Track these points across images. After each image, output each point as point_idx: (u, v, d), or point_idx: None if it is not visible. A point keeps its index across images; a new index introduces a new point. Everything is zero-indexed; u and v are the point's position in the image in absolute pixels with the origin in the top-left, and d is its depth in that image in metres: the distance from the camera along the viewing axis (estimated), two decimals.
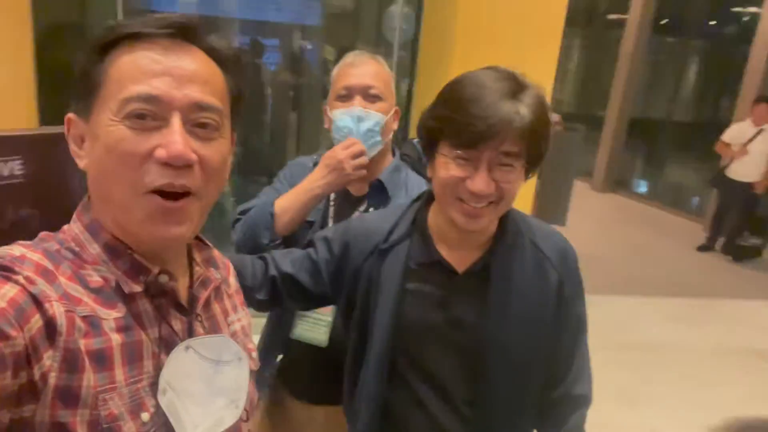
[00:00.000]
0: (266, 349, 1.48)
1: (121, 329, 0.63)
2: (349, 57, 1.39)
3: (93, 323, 0.61)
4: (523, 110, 0.88)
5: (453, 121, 0.90)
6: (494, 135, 0.87)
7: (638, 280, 4.74)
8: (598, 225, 7.64)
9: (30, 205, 1.05)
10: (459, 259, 1.03)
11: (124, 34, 0.63)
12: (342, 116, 1.33)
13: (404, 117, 3.41)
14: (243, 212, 1.35)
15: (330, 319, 1.36)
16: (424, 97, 3.23)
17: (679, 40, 9.30)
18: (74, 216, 0.70)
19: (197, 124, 0.64)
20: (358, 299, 1.08)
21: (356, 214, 1.36)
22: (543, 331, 1.04)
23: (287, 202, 1.30)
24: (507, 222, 1.03)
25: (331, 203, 1.42)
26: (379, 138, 1.34)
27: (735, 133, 5.61)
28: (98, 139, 0.63)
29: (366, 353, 1.07)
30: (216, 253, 0.85)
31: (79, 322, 0.59)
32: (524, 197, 3.16)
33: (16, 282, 0.56)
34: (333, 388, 1.30)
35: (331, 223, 1.39)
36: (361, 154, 1.28)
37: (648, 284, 4.94)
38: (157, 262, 0.68)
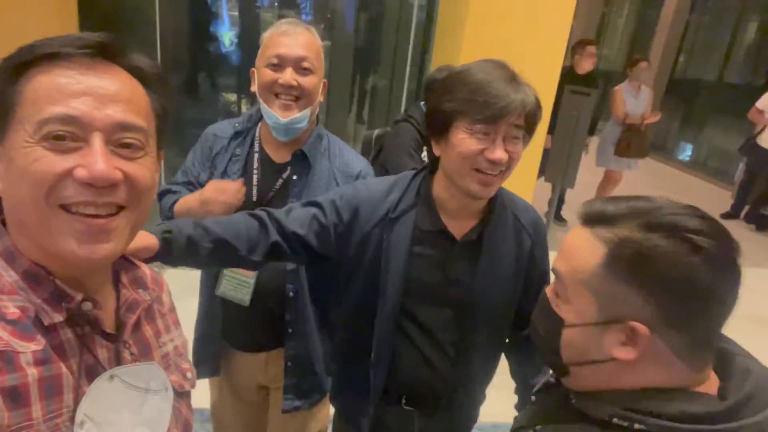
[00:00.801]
0: (206, 313, 1.56)
1: (39, 362, 0.60)
2: (283, 25, 1.39)
3: (7, 358, 0.58)
4: (529, 92, 1.09)
5: (473, 102, 1.07)
6: (512, 111, 1.05)
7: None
8: (624, 190, 7.60)
9: None
10: (457, 227, 1.20)
11: (41, 54, 0.60)
12: (272, 119, 1.38)
13: (419, 75, 3.52)
14: (161, 194, 1.45)
15: (252, 281, 1.43)
16: (440, 58, 3.34)
17: None
18: None
19: (121, 144, 0.62)
20: (366, 262, 1.21)
21: (279, 181, 1.44)
22: (518, 288, 1.26)
23: (183, 208, 1.41)
24: (495, 197, 1.21)
25: (255, 170, 1.45)
26: (304, 124, 1.41)
27: None
28: (13, 162, 0.60)
29: (375, 311, 1.22)
30: (146, 271, 0.82)
31: None
32: (530, 159, 3.27)
33: None
34: (266, 336, 1.49)
35: (255, 190, 1.44)
36: (234, 192, 1.37)
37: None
38: (80, 288, 0.65)
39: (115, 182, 0.60)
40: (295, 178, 1.43)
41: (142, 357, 0.73)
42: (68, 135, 0.59)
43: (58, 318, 0.63)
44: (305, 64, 1.36)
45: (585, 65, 4.56)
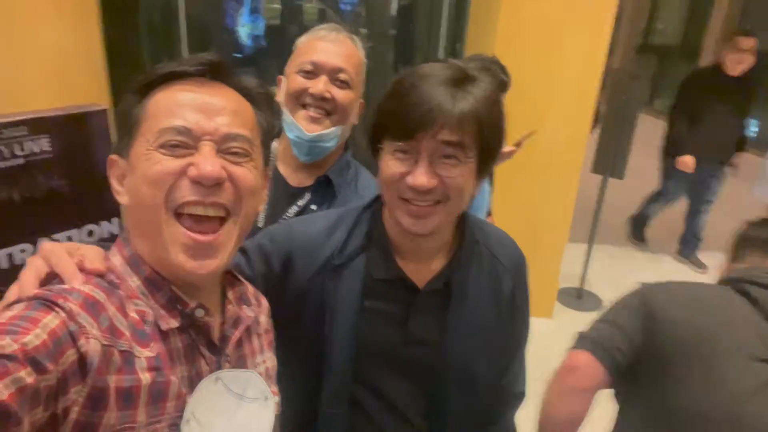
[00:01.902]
0: None
1: (152, 369, 0.64)
2: (323, 29, 1.23)
3: (128, 359, 0.62)
4: (462, 96, 0.83)
5: (392, 113, 0.86)
6: (431, 122, 0.81)
7: (715, 231, 4.30)
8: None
9: (59, 176, 1.22)
10: (419, 273, 0.97)
11: (162, 74, 0.69)
12: (294, 132, 1.21)
13: None
14: None
15: None
16: (473, 46, 3.14)
17: None
18: (113, 248, 0.72)
19: (228, 152, 0.69)
20: (306, 321, 0.99)
21: (293, 208, 1.26)
22: (500, 342, 1.04)
23: None
24: (465, 231, 0.99)
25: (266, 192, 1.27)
26: (331, 144, 1.25)
27: None
28: (136, 169, 0.67)
29: (321, 382, 0.99)
30: (250, 289, 0.85)
31: (116, 356, 0.60)
32: (576, 150, 3.05)
33: (58, 313, 0.57)
34: None
35: (261, 215, 1.25)
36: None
37: (720, 236, 4.59)
38: (194, 296, 0.71)
39: (221, 180, 0.66)
40: (314, 207, 1.24)
41: None
42: (181, 144, 0.66)
43: (174, 324, 0.68)
44: (342, 76, 1.20)
45: (734, 65, 3.62)
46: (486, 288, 1.00)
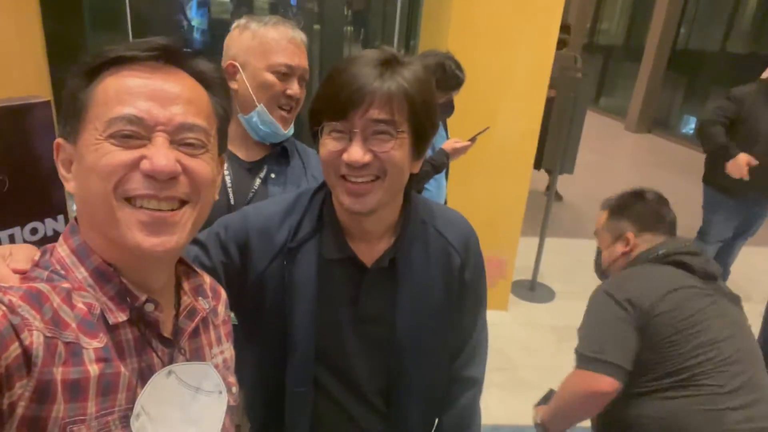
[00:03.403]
0: None
1: (101, 360, 0.62)
2: (288, 29, 1.32)
3: (74, 351, 0.60)
4: (389, 76, 0.87)
5: (326, 95, 0.89)
6: (360, 100, 0.85)
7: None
8: (630, 168, 7.39)
9: None
10: (368, 252, 1.01)
11: (110, 58, 0.65)
12: (269, 127, 1.33)
13: None
14: None
15: None
16: (427, 42, 3.17)
17: None
18: (60, 238, 0.69)
19: (183, 143, 0.65)
20: (267, 306, 1.01)
21: (257, 180, 1.35)
22: (449, 316, 1.07)
23: None
24: (410, 212, 1.02)
25: (226, 172, 1.34)
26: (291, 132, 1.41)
27: None
28: (84, 159, 0.63)
29: (284, 365, 1.02)
30: (207, 280, 0.84)
31: (61, 348, 0.58)
32: (527, 145, 3.12)
33: None
34: None
35: (231, 194, 1.34)
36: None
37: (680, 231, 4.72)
38: (144, 289, 0.68)
39: (175, 174, 0.63)
40: (273, 176, 1.37)
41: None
42: (133, 134, 0.62)
43: (122, 317, 0.66)
44: (306, 77, 1.35)
45: None
46: (434, 265, 1.03)
